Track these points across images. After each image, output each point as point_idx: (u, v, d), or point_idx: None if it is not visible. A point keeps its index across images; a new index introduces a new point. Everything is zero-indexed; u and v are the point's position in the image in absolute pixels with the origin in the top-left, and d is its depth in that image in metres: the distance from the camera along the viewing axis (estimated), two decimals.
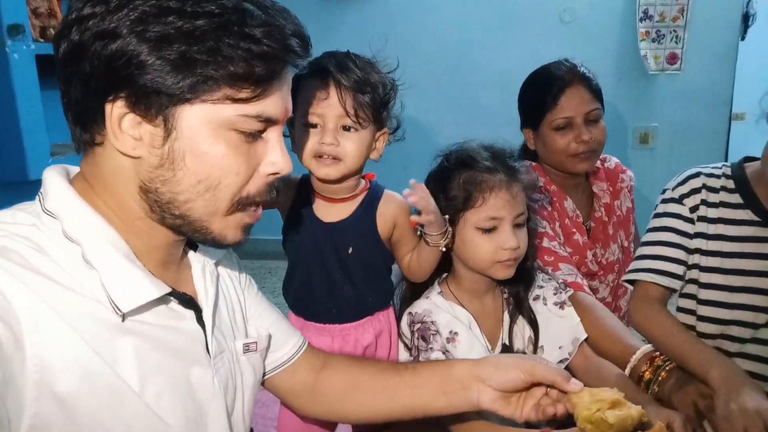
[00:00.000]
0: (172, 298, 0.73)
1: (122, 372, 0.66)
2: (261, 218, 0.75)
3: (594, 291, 1.38)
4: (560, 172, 1.40)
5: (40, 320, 0.60)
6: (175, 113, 0.64)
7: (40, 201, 0.69)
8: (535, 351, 1.11)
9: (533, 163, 1.40)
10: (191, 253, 0.81)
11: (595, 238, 1.43)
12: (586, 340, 1.11)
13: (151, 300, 0.69)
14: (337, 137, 1.02)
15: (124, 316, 0.67)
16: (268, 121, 0.68)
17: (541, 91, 1.38)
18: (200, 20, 0.61)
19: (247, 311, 0.90)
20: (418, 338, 1.06)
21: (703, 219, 1.15)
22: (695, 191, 1.17)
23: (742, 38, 2.90)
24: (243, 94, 0.65)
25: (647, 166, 3.00)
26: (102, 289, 0.65)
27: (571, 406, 0.81)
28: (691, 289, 1.16)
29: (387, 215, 1.11)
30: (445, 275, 1.15)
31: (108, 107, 0.63)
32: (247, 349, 0.85)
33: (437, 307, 1.09)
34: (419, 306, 1.09)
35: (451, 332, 1.06)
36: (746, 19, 3.07)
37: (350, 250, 1.10)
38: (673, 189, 1.19)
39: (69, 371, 0.62)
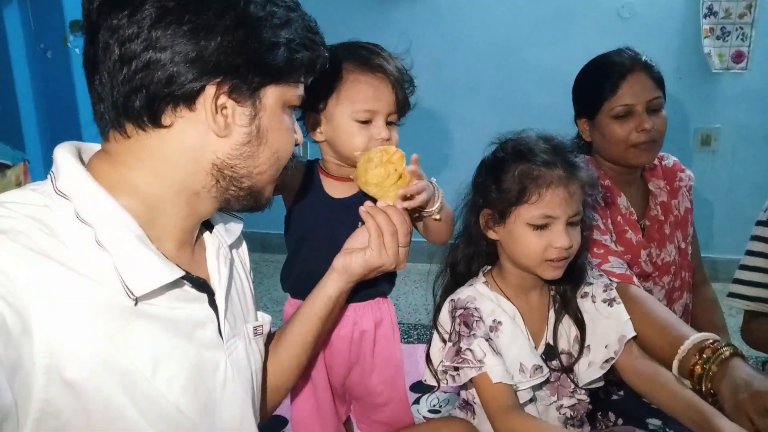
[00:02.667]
0: (185, 281, 0.72)
1: (134, 356, 0.65)
2: None
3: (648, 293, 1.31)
4: (617, 165, 1.34)
5: (49, 305, 0.60)
6: (262, 94, 0.72)
7: (51, 181, 0.68)
8: (581, 352, 1.06)
9: (587, 157, 1.33)
10: (206, 235, 0.81)
11: (650, 237, 1.36)
12: (634, 338, 1.04)
13: (164, 284, 0.68)
14: (389, 131, 1.08)
15: (137, 300, 0.66)
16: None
17: (599, 78, 1.33)
18: (292, 14, 0.72)
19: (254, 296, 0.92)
20: (460, 324, 1.02)
21: None
22: None
23: None
24: (302, 78, 0.76)
25: (708, 168, 2.86)
26: (115, 273, 0.65)
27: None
28: None
29: None
30: (490, 267, 1.11)
31: (210, 89, 0.67)
32: (256, 332, 0.85)
33: (481, 295, 1.05)
34: (463, 293, 1.06)
35: (494, 321, 1.02)
36: None
37: (360, 224, 1.10)
38: (765, 211, 1.17)
39: (79, 357, 0.61)
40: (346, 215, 1.10)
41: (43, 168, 2.19)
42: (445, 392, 1.08)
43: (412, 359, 2.06)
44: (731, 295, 1.25)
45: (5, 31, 2.00)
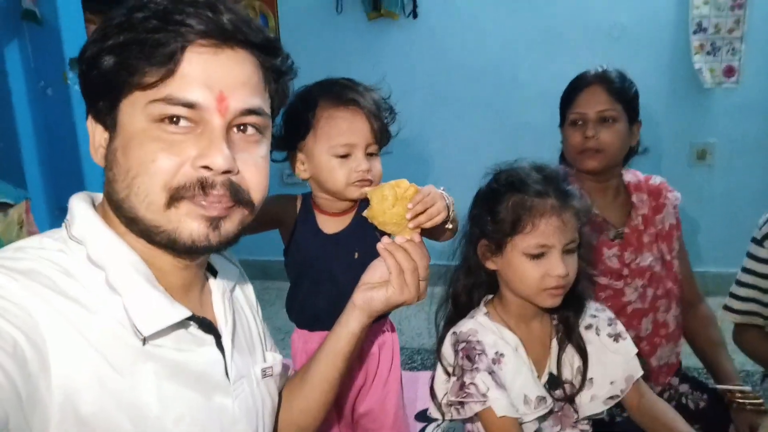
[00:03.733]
0: (192, 322, 0.73)
1: (142, 394, 0.66)
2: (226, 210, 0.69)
3: (618, 292, 1.40)
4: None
5: (66, 341, 0.61)
6: (115, 113, 0.67)
7: (66, 228, 0.71)
8: (583, 382, 1.06)
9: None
10: (212, 280, 0.82)
11: (628, 242, 1.44)
12: (643, 376, 1.06)
13: (171, 324, 0.69)
14: (369, 161, 1.10)
15: (144, 340, 0.67)
16: (189, 106, 0.65)
17: (567, 91, 1.49)
18: (116, 19, 0.65)
19: (264, 336, 0.92)
20: (462, 358, 1.02)
21: None
22: None
23: None
24: (149, 79, 0.64)
25: (705, 183, 2.88)
26: (124, 313, 0.66)
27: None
28: None
29: None
30: (491, 297, 1.12)
31: (88, 123, 0.70)
32: (264, 374, 0.85)
33: (483, 328, 1.05)
34: (464, 325, 1.06)
35: (497, 353, 1.02)
36: None
37: (356, 255, 1.14)
38: (760, 228, 1.24)
39: (92, 391, 0.62)
40: (341, 250, 1.14)
41: (45, 206, 2.20)
42: (450, 420, 1.07)
43: (415, 386, 2.01)
44: (725, 308, 1.33)
45: (5, 69, 2.02)
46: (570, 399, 1.06)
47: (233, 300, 0.85)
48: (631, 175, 1.53)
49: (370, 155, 1.11)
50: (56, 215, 2.22)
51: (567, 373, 1.07)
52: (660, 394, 1.44)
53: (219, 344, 0.76)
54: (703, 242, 2.90)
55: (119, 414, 0.64)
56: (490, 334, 1.04)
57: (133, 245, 0.70)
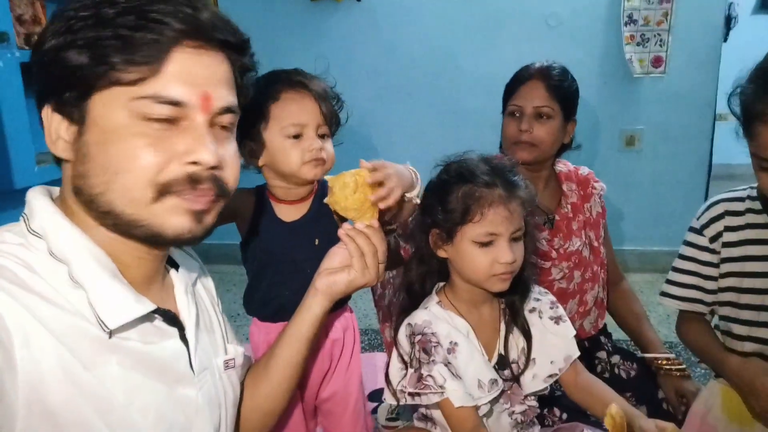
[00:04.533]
0: (156, 315, 0.73)
1: (110, 387, 0.66)
2: (213, 203, 0.72)
3: (545, 272, 1.48)
4: None
5: (31, 336, 0.61)
6: (84, 106, 0.65)
7: (25, 221, 0.69)
8: (527, 362, 1.12)
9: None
10: (173, 272, 0.82)
11: (558, 228, 1.52)
12: (580, 357, 1.14)
13: (137, 317, 0.69)
14: (321, 142, 1.12)
15: (110, 333, 0.67)
16: (175, 104, 0.66)
17: (511, 81, 1.52)
18: (82, 12, 0.64)
19: (225, 329, 0.92)
20: (419, 351, 1.06)
21: (728, 245, 1.20)
22: (714, 220, 1.23)
23: (725, 40, 2.95)
24: (131, 76, 0.64)
25: (634, 167, 3.03)
26: (89, 307, 0.66)
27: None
28: (729, 311, 1.21)
29: None
30: (442, 284, 1.16)
31: (44, 113, 0.68)
32: (227, 366, 0.86)
33: (436, 318, 1.09)
34: (418, 317, 1.09)
35: (451, 343, 1.06)
36: (728, 22, 3.12)
37: (317, 242, 1.16)
38: (697, 218, 1.28)
39: (59, 384, 0.62)
40: (302, 238, 1.15)
41: None
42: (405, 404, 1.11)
43: (368, 367, 2.04)
44: (663, 294, 1.33)
45: None
46: (516, 378, 1.12)
47: (195, 293, 0.85)
48: (562, 165, 1.60)
49: (321, 137, 1.13)
50: None
51: (514, 354, 1.13)
52: (594, 368, 1.52)
53: (182, 337, 0.77)
54: (629, 223, 3.07)
55: (86, 406, 0.64)
56: (443, 324, 1.08)
57: (96, 239, 0.69)
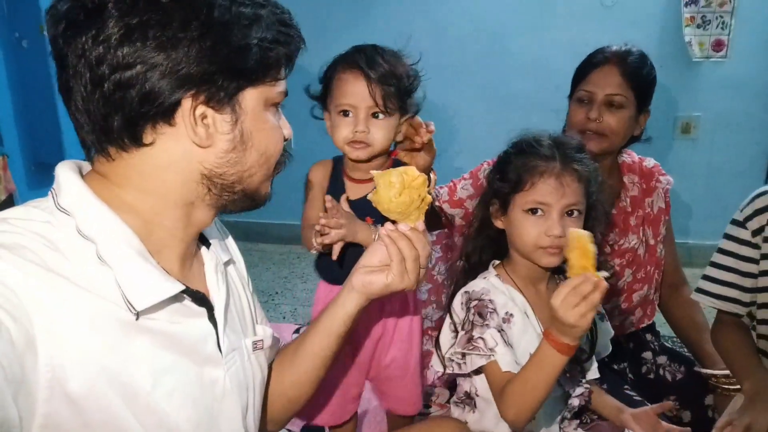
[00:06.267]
0: (185, 295, 0.73)
1: (134, 370, 0.65)
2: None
3: None
4: None
5: (53, 318, 0.60)
6: (241, 98, 0.70)
7: (53, 197, 0.68)
8: (593, 348, 1.12)
9: None
10: (204, 250, 0.82)
11: (614, 223, 1.44)
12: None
13: (166, 298, 0.68)
14: (368, 125, 1.16)
15: (138, 315, 0.66)
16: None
17: (581, 65, 1.43)
18: (261, 10, 0.69)
19: (255, 309, 0.91)
20: (474, 314, 1.06)
21: None
22: (759, 212, 1.14)
23: None
24: (281, 74, 0.74)
25: (688, 156, 2.90)
26: (116, 288, 0.65)
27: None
28: (766, 314, 1.13)
29: None
30: (498, 262, 1.16)
31: (186, 102, 0.66)
32: (255, 347, 0.85)
33: (495, 288, 1.10)
34: (477, 285, 1.10)
35: (507, 313, 1.07)
36: None
37: (371, 221, 1.19)
38: (741, 210, 1.18)
39: (81, 370, 0.61)
40: (359, 216, 1.17)
41: (22, 162, 2.14)
42: (450, 374, 1.15)
43: None
44: (699, 290, 1.24)
45: None
46: (578, 362, 1.12)
47: (225, 273, 0.84)
48: (626, 155, 1.50)
49: (374, 116, 1.17)
50: (33, 171, 2.17)
51: None
52: (639, 367, 1.47)
53: (211, 317, 0.76)
54: (681, 214, 2.94)
55: (110, 391, 0.63)
56: (500, 295, 1.09)
57: (133, 218, 0.69)
